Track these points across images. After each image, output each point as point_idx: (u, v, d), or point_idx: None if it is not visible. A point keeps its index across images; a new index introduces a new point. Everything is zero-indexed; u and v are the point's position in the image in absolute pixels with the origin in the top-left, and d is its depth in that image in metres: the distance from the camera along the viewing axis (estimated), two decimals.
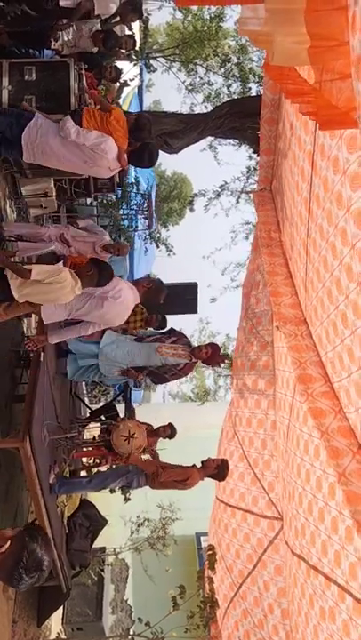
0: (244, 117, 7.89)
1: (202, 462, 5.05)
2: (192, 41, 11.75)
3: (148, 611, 6.78)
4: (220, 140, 10.79)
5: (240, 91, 11.16)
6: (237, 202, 11.92)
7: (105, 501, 6.71)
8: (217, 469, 4.90)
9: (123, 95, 11.44)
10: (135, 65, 11.45)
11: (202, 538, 10.37)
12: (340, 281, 2.60)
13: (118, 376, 5.74)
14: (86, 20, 5.74)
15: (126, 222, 11.61)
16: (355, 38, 1.54)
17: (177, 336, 5.82)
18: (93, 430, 6.24)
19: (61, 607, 6.96)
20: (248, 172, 10.91)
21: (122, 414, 6.48)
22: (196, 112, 11.50)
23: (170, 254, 12.60)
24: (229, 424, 5.19)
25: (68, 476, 5.37)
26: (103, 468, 5.81)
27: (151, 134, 4.88)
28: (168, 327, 6.32)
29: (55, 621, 7.32)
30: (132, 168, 11.57)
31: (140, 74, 12.68)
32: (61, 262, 5.56)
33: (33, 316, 7.06)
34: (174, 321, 7.06)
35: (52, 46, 5.59)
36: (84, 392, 10.18)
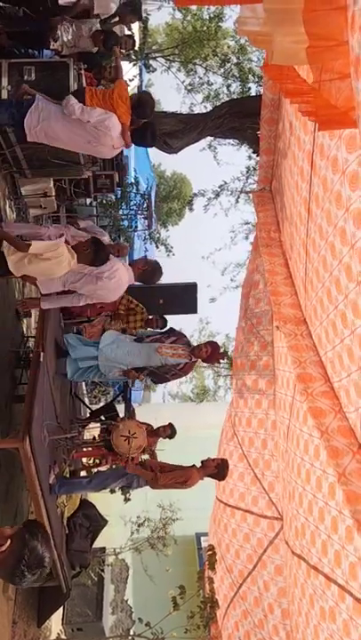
0: (244, 117, 7.89)
1: (202, 462, 5.05)
2: (191, 41, 11.75)
3: (149, 611, 6.78)
4: (220, 139, 10.79)
5: (239, 91, 11.16)
6: (237, 202, 11.94)
7: (105, 501, 6.70)
8: (217, 469, 4.90)
9: None
10: (135, 65, 11.46)
11: (202, 538, 10.37)
12: (340, 281, 2.60)
13: (118, 376, 5.74)
14: (85, 20, 5.74)
15: (126, 222, 11.62)
16: (354, 38, 1.54)
17: (176, 336, 5.82)
18: (93, 430, 6.23)
19: (61, 608, 6.96)
20: (248, 171, 10.91)
21: (122, 414, 6.48)
22: (196, 112, 11.51)
23: (169, 254, 12.61)
24: (229, 424, 5.19)
25: (67, 476, 5.37)
26: (103, 469, 5.81)
27: (153, 111, 4.90)
28: (168, 327, 6.33)
29: (55, 622, 7.32)
30: (131, 168, 11.59)
31: (140, 74, 12.68)
32: None
33: (33, 316, 7.07)
34: (174, 321, 7.07)
35: (52, 46, 5.59)
36: (84, 392, 10.18)
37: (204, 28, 11.41)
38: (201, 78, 12.22)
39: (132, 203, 11.37)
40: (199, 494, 5.80)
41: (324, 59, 1.85)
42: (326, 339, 2.96)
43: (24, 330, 6.83)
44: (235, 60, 11.27)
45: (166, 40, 14.94)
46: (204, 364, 6.65)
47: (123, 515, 8.57)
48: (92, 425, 6.41)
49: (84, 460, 6.26)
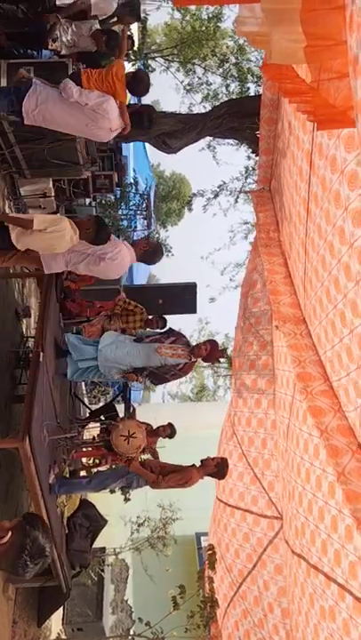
0: (243, 117, 7.89)
1: (201, 461, 5.06)
2: (190, 41, 11.75)
3: (149, 611, 6.78)
4: (219, 139, 10.79)
5: (238, 90, 11.17)
6: (236, 202, 11.93)
7: (105, 501, 6.70)
8: (217, 468, 4.90)
9: None
10: (133, 65, 11.45)
11: (202, 538, 10.37)
12: (339, 280, 2.60)
13: (118, 377, 5.74)
14: (85, 21, 5.73)
15: (125, 223, 11.62)
16: (352, 37, 1.55)
17: (176, 336, 5.82)
18: (93, 430, 6.23)
19: (61, 607, 6.96)
20: (247, 171, 10.91)
21: (121, 414, 6.48)
22: (195, 112, 11.50)
23: (169, 255, 12.62)
24: (228, 424, 5.19)
25: (67, 476, 5.37)
26: (103, 469, 5.81)
27: (148, 88, 4.93)
28: (167, 327, 6.33)
29: (55, 622, 7.32)
30: (130, 168, 11.59)
31: None
32: None
33: (32, 316, 7.08)
34: (173, 321, 7.07)
35: (50, 46, 5.59)
36: (84, 392, 10.18)
37: (203, 28, 11.42)
38: (200, 78, 12.24)
39: (131, 203, 11.38)
40: (199, 494, 5.80)
41: (322, 58, 1.85)
42: (326, 338, 2.96)
43: (23, 330, 6.84)
44: (234, 60, 11.27)
45: (165, 40, 14.94)
46: (204, 364, 6.65)
47: (123, 515, 8.57)
48: (91, 425, 6.41)
49: (84, 460, 6.27)
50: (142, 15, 10.41)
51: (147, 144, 10.49)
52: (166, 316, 6.82)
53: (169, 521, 8.51)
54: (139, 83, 4.78)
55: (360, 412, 2.61)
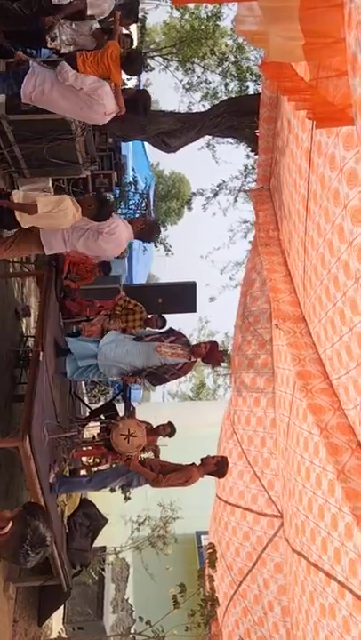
0: (242, 116, 7.89)
1: (201, 460, 5.06)
2: (189, 40, 11.74)
3: (149, 609, 6.78)
4: (218, 138, 10.79)
5: (238, 89, 11.16)
6: (235, 201, 11.93)
7: (105, 500, 6.71)
8: (217, 466, 4.91)
9: None
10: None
11: (202, 536, 10.38)
12: (338, 278, 2.60)
13: (117, 377, 5.75)
14: (86, 21, 5.72)
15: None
16: (351, 35, 1.55)
17: (176, 336, 5.82)
18: (93, 429, 6.24)
19: (62, 606, 6.96)
20: (246, 170, 10.91)
21: (121, 413, 6.49)
22: (194, 111, 11.50)
23: (168, 254, 12.62)
24: (228, 422, 5.19)
25: (67, 475, 5.37)
26: (103, 468, 5.82)
27: (142, 69, 4.97)
28: (167, 327, 6.33)
29: (56, 621, 7.32)
30: (130, 167, 11.59)
31: None
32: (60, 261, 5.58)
33: (32, 315, 7.08)
34: (173, 320, 7.08)
35: (49, 45, 5.57)
36: (84, 392, 10.19)
37: (202, 27, 11.41)
38: (199, 77, 12.23)
39: (130, 202, 11.37)
40: (199, 493, 5.80)
41: (321, 56, 1.85)
42: (325, 336, 2.97)
43: (23, 329, 6.84)
44: (233, 59, 11.27)
45: (164, 39, 14.93)
46: (204, 364, 6.64)
47: (123, 514, 8.59)
48: (91, 424, 6.41)
49: (84, 459, 6.27)
50: (141, 14, 10.41)
51: (146, 143, 10.48)
52: (166, 316, 6.83)
53: (169, 520, 8.52)
54: (132, 62, 4.84)
55: (360, 410, 2.61)
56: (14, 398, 5.89)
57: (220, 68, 11.60)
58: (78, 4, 5.53)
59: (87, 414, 7.33)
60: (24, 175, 6.32)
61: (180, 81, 12.72)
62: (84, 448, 5.89)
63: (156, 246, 12.88)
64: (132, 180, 11.37)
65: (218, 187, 11.12)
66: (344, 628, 2.73)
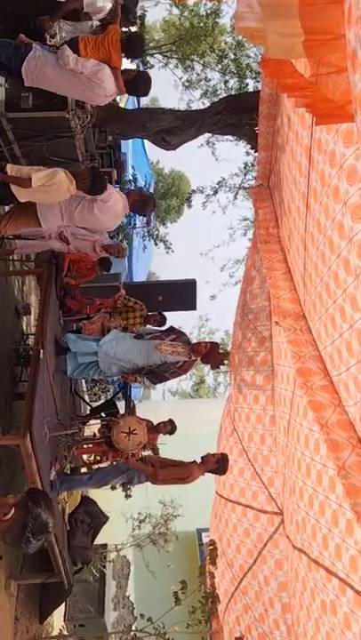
0: (242, 113, 7.87)
1: (202, 458, 5.07)
2: (189, 37, 11.73)
3: (150, 606, 6.79)
4: (218, 136, 10.77)
5: (237, 87, 11.14)
6: (235, 198, 11.93)
7: (106, 498, 6.73)
8: (217, 464, 4.92)
9: None
10: (131, 62, 11.42)
11: (203, 534, 10.39)
12: (338, 275, 2.60)
13: (118, 375, 5.75)
14: (86, 22, 5.71)
15: (125, 219, 11.60)
16: (350, 32, 1.55)
17: (176, 334, 5.83)
18: (94, 427, 6.25)
19: (63, 604, 6.98)
20: (246, 167, 10.90)
21: (122, 411, 6.49)
22: (194, 108, 11.49)
23: (168, 251, 12.61)
24: (228, 420, 5.19)
25: (68, 472, 5.38)
26: (104, 465, 5.83)
27: (143, 50, 5.01)
28: (168, 325, 6.33)
29: (57, 618, 7.34)
30: (129, 165, 11.57)
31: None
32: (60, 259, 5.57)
33: (32, 313, 7.08)
34: (174, 318, 7.08)
35: (49, 42, 5.56)
36: (84, 390, 10.20)
37: (202, 24, 11.39)
38: (198, 75, 12.22)
39: None
40: (200, 490, 5.81)
41: (321, 52, 1.85)
42: (325, 333, 2.97)
43: (24, 327, 6.84)
44: (232, 56, 11.24)
45: (163, 36, 14.91)
46: (205, 364, 6.62)
47: (124, 511, 8.60)
48: (92, 422, 6.42)
49: (85, 456, 6.28)
50: (140, 12, 10.38)
51: (146, 141, 10.47)
52: (166, 314, 6.83)
53: (170, 517, 8.53)
54: (132, 45, 4.87)
55: (360, 407, 2.62)
56: (15, 396, 5.90)
57: (219, 66, 11.59)
58: (75, 3, 5.52)
59: (88, 412, 7.34)
60: None
61: (180, 78, 12.72)
62: (85, 446, 5.90)
63: (156, 244, 12.87)
64: (131, 177, 11.35)
65: (218, 184, 11.11)
66: (345, 625, 2.74)
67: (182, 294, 9.31)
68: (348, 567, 2.66)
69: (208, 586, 5.46)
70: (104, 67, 4.61)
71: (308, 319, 3.37)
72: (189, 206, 12.86)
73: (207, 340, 15.65)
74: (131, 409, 6.56)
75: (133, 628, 9.08)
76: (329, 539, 2.87)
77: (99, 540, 6.75)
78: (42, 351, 4.78)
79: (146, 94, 5.32)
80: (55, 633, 7.15)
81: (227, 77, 11.43)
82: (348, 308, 2.54)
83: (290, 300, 3.56)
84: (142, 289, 9.51)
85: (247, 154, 10.75)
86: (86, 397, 9.61)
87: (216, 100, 10.40)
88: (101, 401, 9.60)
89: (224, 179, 11.07)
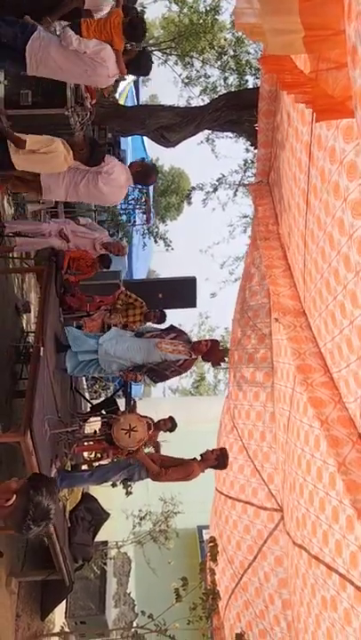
0: (241, 110, 7.86)
1: (201, 455, 5.07)
2: (188, 34, 11.70)
3: (151, 603, 6.81)
4: (218, 132, 10.76)
5: (237, 83, 11.12)
6: (235, 195, 11.92)
7: (107, 495, 6.73)
8: (217, 460, 4.92)
9: (119, 89, 11.39)
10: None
11: (203, 531, 10.42)
12: (338, 271, 2.60)
13: (118, 373, 5.75)
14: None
15: (124, 217, 11.60)
16: (350, 27, 1.54)
17: (177, 332, 5.83)
18: (94, 424, 6.25)
19: (64, 601, 7.00)
20: (245, 164, 10.89)
21: (122, 408, 6.49)
22: (193, 105, 11.47)
23: (168, 249, 12.61)
24: (228, 416, 5.20)
25: (69, 469, 5.39)
26: (104, 462, 5.83)
27: (145, 33, 5.01)
28: (168, 323, 6.33)
29: (58, 615, 7.36)
30: (129, 162, 11.55)
31: None
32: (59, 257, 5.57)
33: (32, 311, 7.08)
34: (174, 316, 7.08)
35: None
36: (85, 387, 10.21)
37: (201, 21, 11.36)
38: (198, 71, 12.20)
39: (130, 197, 11.35)
40: (200, 487, 5.82)
41: (321, 48, 1.85)
42: (325, 330, 2.97)
43: (24, 325, 6.84)
44: (232, 53, 11.22)
45: (163, 33, 14.88)
46: (205, 362, 6.63)
47: (125, 508, 8.61)
48: (92, 419, 6.43)
49: (86, 453, 6.28)
50: (139, 8, 10.34)
51: (145, 138, 10.46)
52: (166, 311, 6.83)
53: (171, 514, 8.54)
54: (134, 29, 4.88)
55: (360, 403, 2.62)
56: (15, 394, 5.90)
57: (219, 62, 11.57)
58: (73, 2, 5.51)
59: (88, 409, 7.35)
60: None
61: (179, 75, 12.70)
62: (86, 443, 5.90)
63: (156, 242, 12.86)
64: None
65: (217, 181, 11.11)
66: (345, 620, 2.75)
67: (182, 292, 9.31)
68: (349, 563, 2.67)
69: (209, 582, 5.48)
70: (106, 46, 4.62)
71: (308, 316, 3.37)
72: (189, 203, 12.86)
73: (207, 337, 15.66)
74: (131, 406, 6.56)
75: (134, 624, 9.11)
76: (329, 535, 2.88)
77: (99, 537, 6.76)
78: (42, 349, 4.79)
79: (147, 73, 5.34)
80: (56, 630, 7.18)
81: (226, 74, 11.42)
82: (349, 304, 2.54)
83: (290, 296, 3.56)
84: (142, 286, 9.51)
85: (247, 151, 10.76)
86: (87, 395, 9.63)
87: (216, 96, 10.38)
88: (102, 398, 9.61)
89: (224, 176, 11.07)
